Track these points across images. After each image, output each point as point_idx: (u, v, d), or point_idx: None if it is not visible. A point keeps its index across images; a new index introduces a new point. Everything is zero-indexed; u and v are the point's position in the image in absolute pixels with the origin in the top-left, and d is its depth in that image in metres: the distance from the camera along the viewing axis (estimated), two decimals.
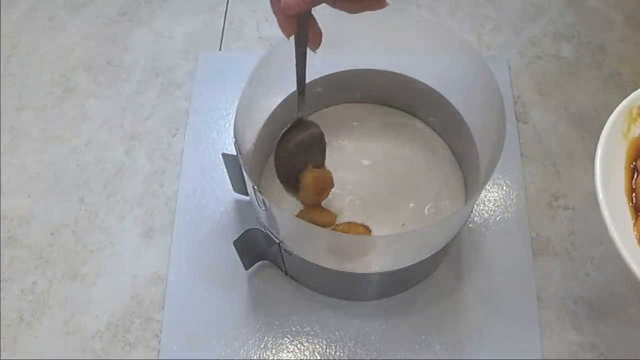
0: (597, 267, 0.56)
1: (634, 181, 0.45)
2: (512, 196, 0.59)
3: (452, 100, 0.54)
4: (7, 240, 0.58)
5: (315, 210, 0.53)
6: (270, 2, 0.41)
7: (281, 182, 0.50)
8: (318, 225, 0.53)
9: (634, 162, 0.46)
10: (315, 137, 0.50)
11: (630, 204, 0.44)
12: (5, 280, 0.56)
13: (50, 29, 0.71)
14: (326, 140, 0.58)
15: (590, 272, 0.56)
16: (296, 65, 0.44)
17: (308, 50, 0.44)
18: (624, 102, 0.46)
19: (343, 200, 0.55)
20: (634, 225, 0.43)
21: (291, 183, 0.50)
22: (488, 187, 0.60)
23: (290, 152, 0.49)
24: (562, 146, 0.62)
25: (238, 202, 0.58)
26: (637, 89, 0.47)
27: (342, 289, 0.53)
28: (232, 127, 0.48)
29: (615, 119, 0.45)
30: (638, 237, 0.42)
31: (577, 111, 0.64)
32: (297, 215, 0.54)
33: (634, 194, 0.45)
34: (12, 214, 0.59)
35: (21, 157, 0.62)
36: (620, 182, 0.45)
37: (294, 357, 0.52)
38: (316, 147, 0.50)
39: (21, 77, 0.67)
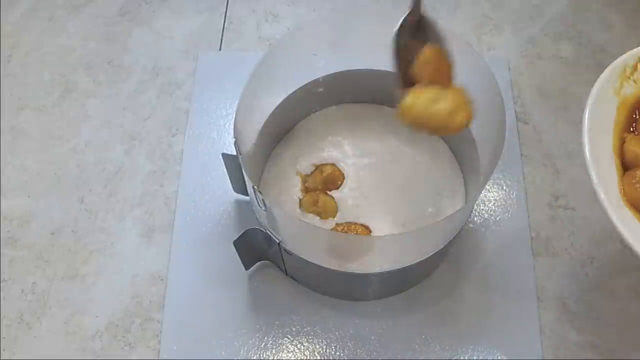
0: (597, 267, 0.56)
1: (626, 134, 0.45)
2: (512, 196, 0.59)
3: None
4: (7, 240, 0.58)
5: (319, 192, 0.55)
6: None
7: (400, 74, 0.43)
8: (321, 203, 0.54)
9: (633, 125, 0.46)
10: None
11: (618, 160, 0.44)
12: (5, 280, 0.56)
13: (50, 29, 0.71)
14: (327, 139, 0.58)
15: (590, 272, 0.56)
16: None
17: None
18: (618, 60, 0.46)
19: (343, 200, 0.55)
20: (620, 181, 0.43)
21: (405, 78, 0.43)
22: (488, 187, 0.60)
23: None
24: (562, 146, 0.62)
25: (238, 202, 0.58)
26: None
27: (342, 289, 0.53)
28: (232, 127, 0.48)
29: (608, 74, 0.45)
30: (622, 191, 0.42)
31: (577, 111, 0.64)
32: (302, 198, 0.55)
33: (623, 151, 0.44)
34: (12, 214, 0.59)
35: (21, 157, 0.62)
36: (609, 137, 0.44)
37: (294, 357, 0.52)
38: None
39: (21, 77, 0.67)
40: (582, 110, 0.64)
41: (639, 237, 0.39)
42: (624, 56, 0.46)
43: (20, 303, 0.55)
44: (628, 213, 0.41)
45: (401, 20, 0.41)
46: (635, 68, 0.47)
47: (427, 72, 0.40)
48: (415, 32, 0.41)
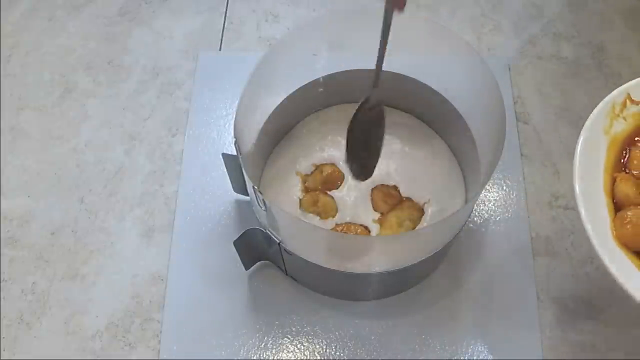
0: (597, 267, 0.56)
1: (617, 174, 0.45)
2: (512, 196, 0.59)
3: (452, 100, 0.54)
4: (7, 240, 0.58)
5: (319, 192, 0.55)
6: None
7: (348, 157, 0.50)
8: (321, 203, 0.54)
9: (623, 161, 0.46)
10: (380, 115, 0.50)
11: (610, 200, 0.44)
12: (5, 280, 0.56)
13: (50, 29, 0.71)
14: (327, 139, 0.58)
15: (590, 272, 0.56)
16: (382, 33, 0.44)
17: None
18: (607, 98, 0.46)
19: (343, 200, 0.55)
20: (612, 222, 0.43)
21: (357, 161, 0.50)
22: (488, 187, 0.60)
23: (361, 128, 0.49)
24: (562, 146, 0.62)
25: (238, 202, 0.58)
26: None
27: (342, 289, 0.53)
28: (232, 127, 0.48)
29: (597, 114, 0.45)
30: (614, 233, 0.43)
31: (577, 111, 0.64)
32: (302, 198, 0.55)
33: (614, 191, 0.45)
34: (12, 214, 0.59)
35: (21, 157, 0.62)
36: (600, 177, 0.45)
37: (294, 357, 0.52)
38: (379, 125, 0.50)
39: (21, 77, 0.67)
40: (582, 111, 0.64)
41: (632, 278, 0.40)
42: (613, 93, 0.46)
43: (20, 303, 0.55)
44: (621, 254, 0.42)
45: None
46: (624, 105, 0.47)
47: (384, 205, 0.54)
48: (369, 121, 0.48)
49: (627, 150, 0.46)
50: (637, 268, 0.41)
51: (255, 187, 0.44)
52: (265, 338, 0.53)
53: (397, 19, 0.53)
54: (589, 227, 0.41)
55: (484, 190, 0.59)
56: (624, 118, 0.47)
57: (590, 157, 0.44)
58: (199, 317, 0.53)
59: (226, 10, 0.72)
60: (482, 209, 0.58)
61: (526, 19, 0.71)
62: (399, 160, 0.57)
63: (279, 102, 0.55)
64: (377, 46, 0.46)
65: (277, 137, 0.59)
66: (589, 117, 0.45)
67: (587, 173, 0.43)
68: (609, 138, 0.46)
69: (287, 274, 0.55)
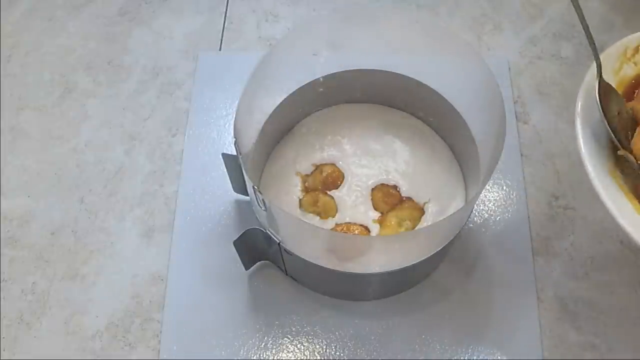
0: (597, 267, 0.56)
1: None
2: (512, 196, 0.59)
3: (452, 100, 0.54)
4: (7, 240, 0.58)
5: (319, 192, 0.55)
6: None
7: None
8: (321, 203, 0.54)
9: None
10: None
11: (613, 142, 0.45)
12: (5, 280, 0.56)
13: (50, 29, 0.71)
14: (327, 139, 0.58)
15: (590, 272, 0.56)
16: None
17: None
18: (622, 40, 0.47)
19: (343, 200, 0.55)
20: (615, 165, 0.44)
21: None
22: (488, 187, 0.60)
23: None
24: (562, 146, 0.62)
25: (238, 202, 0.59)
26: None
27: (342, 289, 0.53)
28: (232, 127, 0.48)
29: (608, 54, 0.46)
30: (635, 146, 0.43)
31: None
32: (302, 198, 0.55)
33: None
34: (12, 214, 0.59)
35: (21, 157, 0.62)
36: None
37: (294, 357, 0.52)
38: None
39: (21, 77, 0.67)
40: None
41: (623, 210, 0.41)
42: (627, 38, 0.47)
43: (20, 303, 0.55)
44: (615, 185, 0.42)
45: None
46: (636, 50, 0.47)
47: (384, 205, 0.55)
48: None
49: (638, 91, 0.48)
50: (631, 204, 0.42)
51: (255, 187, 0.44)
52: (265, 338, 0.53)
53: (397, 19, 0.53)
54: (588, 162, 0.42)
55: (484, 190, 0.59)
56: (635, 63, 0.47)
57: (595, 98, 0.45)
58: (199, 317, 0.53)
59: (226, 10, 0.72)
60: (482, 209, 0.58)
61: (526, 19, 0.71)
62: (399, 160, 0.57)
63: (279, 102, 0.55)
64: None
65: (277, 137, 0.59)
66: (602, 54, 0.46)
67: (590, 114, 0.44)
68: (617, 79, 0.46)
69: (287, 274, 0.55)
